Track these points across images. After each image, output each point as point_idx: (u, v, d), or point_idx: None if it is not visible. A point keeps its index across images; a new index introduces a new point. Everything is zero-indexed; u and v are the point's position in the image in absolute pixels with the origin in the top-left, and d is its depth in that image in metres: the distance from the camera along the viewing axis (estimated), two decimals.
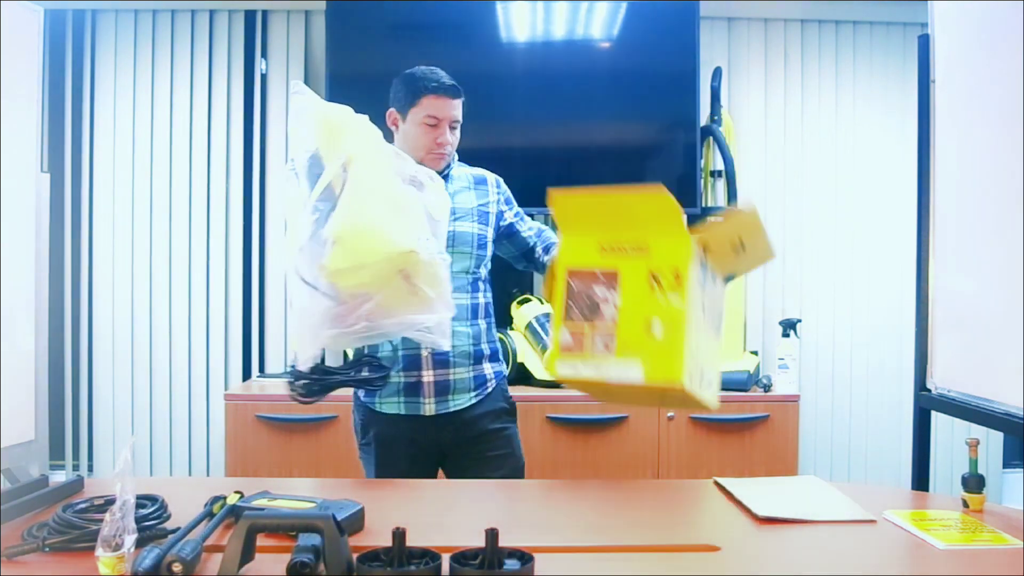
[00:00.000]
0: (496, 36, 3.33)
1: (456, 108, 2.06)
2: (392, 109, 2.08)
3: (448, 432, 2.04)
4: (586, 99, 3.29)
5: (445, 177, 2.07)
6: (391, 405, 2.05)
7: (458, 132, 2.09)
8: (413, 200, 1.70)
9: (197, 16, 3.52)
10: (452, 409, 2.04)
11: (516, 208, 2.22)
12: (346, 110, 1.69)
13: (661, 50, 3.31)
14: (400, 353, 2.01)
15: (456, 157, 2.15)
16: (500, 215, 2.16)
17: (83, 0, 3.46)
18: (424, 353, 2.01)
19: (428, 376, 2.03)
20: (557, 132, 3.32)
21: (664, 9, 3.32)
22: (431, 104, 2.03)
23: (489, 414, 2.09)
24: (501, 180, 2.21)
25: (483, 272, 2.13)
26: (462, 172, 2.16)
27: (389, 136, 2.04)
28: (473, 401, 2.07)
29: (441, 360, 2.03)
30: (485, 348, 2.11)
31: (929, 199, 1.99)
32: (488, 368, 2.11)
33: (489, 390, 2.10)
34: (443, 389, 2.04)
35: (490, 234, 2.13)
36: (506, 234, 2.17)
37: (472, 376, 2.07)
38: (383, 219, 1.60)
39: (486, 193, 2.15)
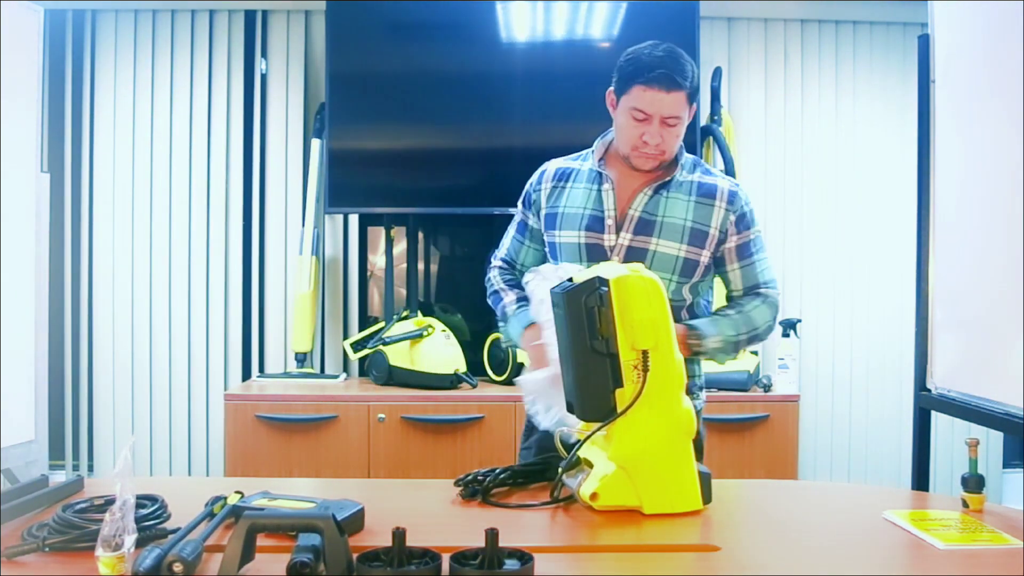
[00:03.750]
0: (496, 36, 3.33)
1: (672, 104, 1.75)
2: (610, 89, 1.85)
3: None
4: (586, 99, 3.28)
5: (667, 183, 1.84)
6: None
7: (679, 130, 1.80)
8: None
9: (197, 16, 3.52)
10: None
11: (751, 236, 1.87)
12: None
13: None
14: None
15: (685, 160, 1.88)
16: (723, 238, 1.85)
17: (83, 0, 3.46)
18: None
19: None
20: (557, 132, 3.31)
21: (664, 9, 3.31)
22: (640, 95, 1.76)
23: None
24: (740, 193, 1.88)
25: (689, 298, 1.88)
26: (691, 178, 1.87)
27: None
28: None
29: None
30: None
31: (929, 199, 1.99)
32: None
33: None
34: None
35: (704, 258, 1.85)
36: (719, 263, 1.88)
37: None
38: None
39: (710, 208, 1.85)
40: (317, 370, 3.54)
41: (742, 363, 3.18)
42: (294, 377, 3.34)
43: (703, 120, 3.38)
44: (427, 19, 3.32)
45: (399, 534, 1.13)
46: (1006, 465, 3.64)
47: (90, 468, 3.50)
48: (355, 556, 1.13)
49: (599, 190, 1.87)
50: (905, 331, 3.36)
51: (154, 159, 3.51)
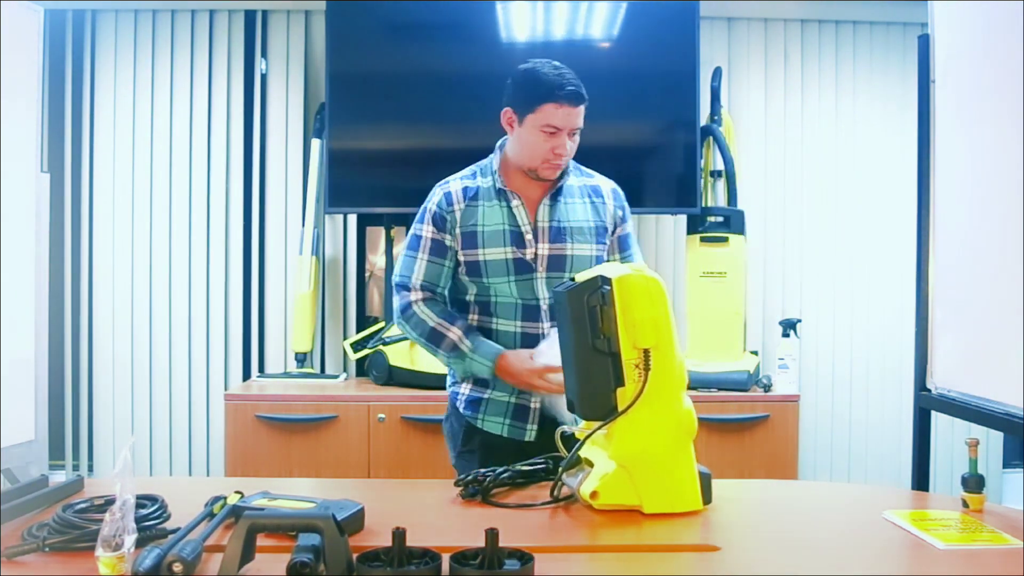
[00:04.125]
0: (496, 36, 3.33)
1: (579, 116, 1.90)
2: (508, 108, 1.94)
3: None
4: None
5: (559, 190, 1.97)
6: (494, 425, 1.99)
7: (578, 138, 1.94)
8: None
9: (197, 16, 3.52)
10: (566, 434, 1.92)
11: (627, 230, 2.07)
12: None
13: (661, 50, 3.31)
14: None
15: (570, 167, 2.02)
16: (612, 230, 2.03)
17: (83, 0, 3.46)
18: None
19: (539, 403, 1.96)
20: None
21: (664, 9, 3.31)
22: (552, 112, 1.86)
23: None
24: (619, 190, 2.07)
25: None
26: (576, 183, 2.02)
27: (501, 132, 1.98)
28: None
29: None
30: None
31: (929, 199, 1.99)
32: None
33: None
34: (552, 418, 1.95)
35: (606, 252, 2.02)
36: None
37: None
38: None
39: (604, 206, 2.02)
40: (317, 370, 3.54)
41: (742, 363, 3.19)
42: (294, 377, 3.34)
43: (703, 120, 3.38)
44: (427, 19, 3.32)
45: (399, 534, 1.13)
46: (1006, 465, 3.64)
47: (90, 468, 3.50)
48: (355, 556, 1.13)
49: (509, 207, 1.96)
50: (905, 331, 3.35)
51: (154, 159, 3.51)
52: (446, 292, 2.01)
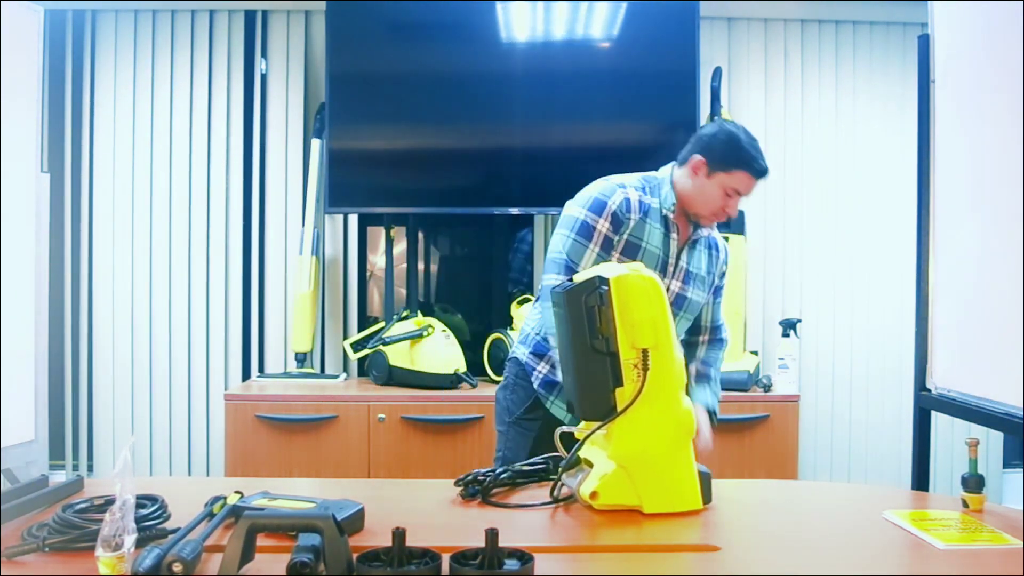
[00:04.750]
0: (496, 36, 3.33)
1: (756, 187, 2.04)
2: (703, 158, 2.02)
3: None
4: (586, 99, 3.29)
5: (695, 242, 2.10)
6: (560, 411, 2.05)
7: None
8: None
9: (197, 16, 3.52)
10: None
11: (723, 284, 2.21)
12: None
13: (661, 50, 3.31)
14: None
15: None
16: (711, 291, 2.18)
17: (83, 0, 3.46)
18: None
19: None
20: (557, 132, 3.32)
21: (664, 9, 3.31)
22: (743, 180, 2.00)
23: None
24: (725, 247, 2.21)
25: None
26: (702, 234, 2.14)
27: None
28: None
29: None
30: None
31: (929, 199, 1.99)
32: None
33: None
34: None
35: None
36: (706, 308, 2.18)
37: None
38: None
39: (716, 259, 2.16)
40: (317, 370, 3.54)
41: (742, 363, 3.19)
42: (294, 377, 3.34)
43: (703, 120, 3.37)
44: (427, 19, 3.32)
45: (399, 534, 1.13)
46: (1006, 465, 3.64)
47: (90, 468, 3.50)
48: (355, 556, 1.13)
49: (667, 236, 2.05)
50: (905, 331, 3.36)
51: (154, 159, 3.51)
52: None
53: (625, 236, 2.00)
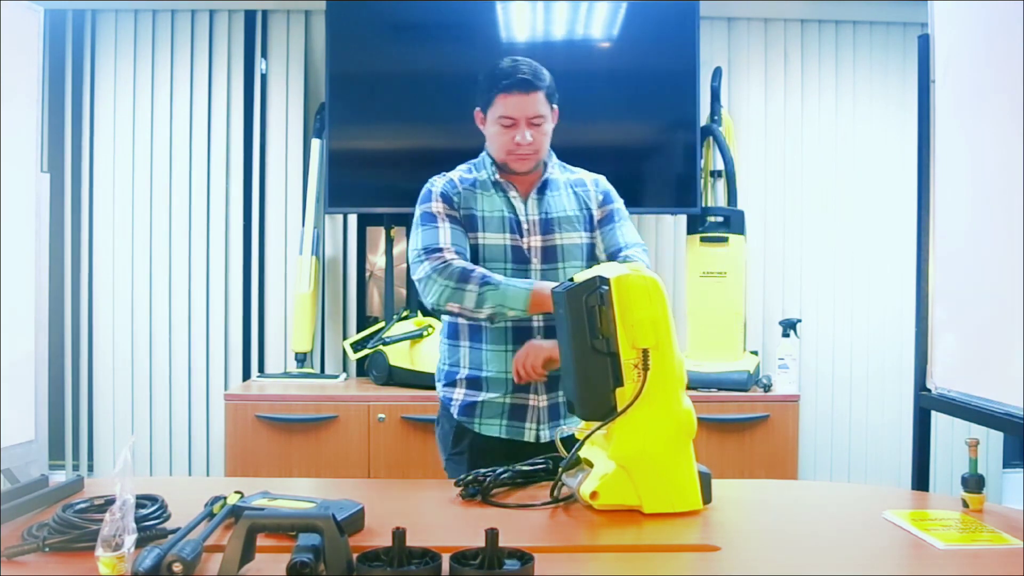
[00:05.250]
0: (496, 36, 3.33)
1: (533, 104, 1.92)
2: (477, 108, 2.01)
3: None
4: (586, 99, 3.29)
5: (544, 183, 2.01)
6: (491, 427, 1.98)
7: (545, 128, 1.97)
8: None
9: (197, 16, 3.52)
10: (565, 435, 1.85)
11: (613, 207, 2.06)
12: None
13: (661, 50, 3.31)
14: (509, 376, 1.94)
15: (553, 159, 2.07)
16: (599, 221, 2.05)
17: (83, 0, 3.46)
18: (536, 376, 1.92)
19: (538, 400, 1.96)
20: (557, 132, 3.30)
21: (664, 9, 3.31)
22: (504, 103, 1.92)
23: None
24: (601, 178, 2.10)
25: None
26: (561, 177, 2.06)
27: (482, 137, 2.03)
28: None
29: (551, 381, 1.94)
30: None
31: (929, 199, 1.99)
32: None
33: None
34: (554, 414, 1.97)
35: (598, 239, 2.04)
36: (599, 237, 2.05)
37: None
38: None
39: (586, 193, 2.06)
40: (317, 370, 3.54)
41: (742, 363, 3.19)
42: (294, 377, 3.34)
43: (703, 120, 3.38)
44: (427, 19, 3.32)
45: (399, 534, 1.13)
46: (1006, 465, 3.64)
47: (90, 468, 3.50)
48: (355, 556, 1.13)
49: (507, 196, 2.00)
50: (905, 331, 3.36)
51: (154, 159, 3.51)
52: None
53: (460, 212, 1.97)
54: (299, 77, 3.54)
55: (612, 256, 2.01)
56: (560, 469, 1.55)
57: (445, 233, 1.94)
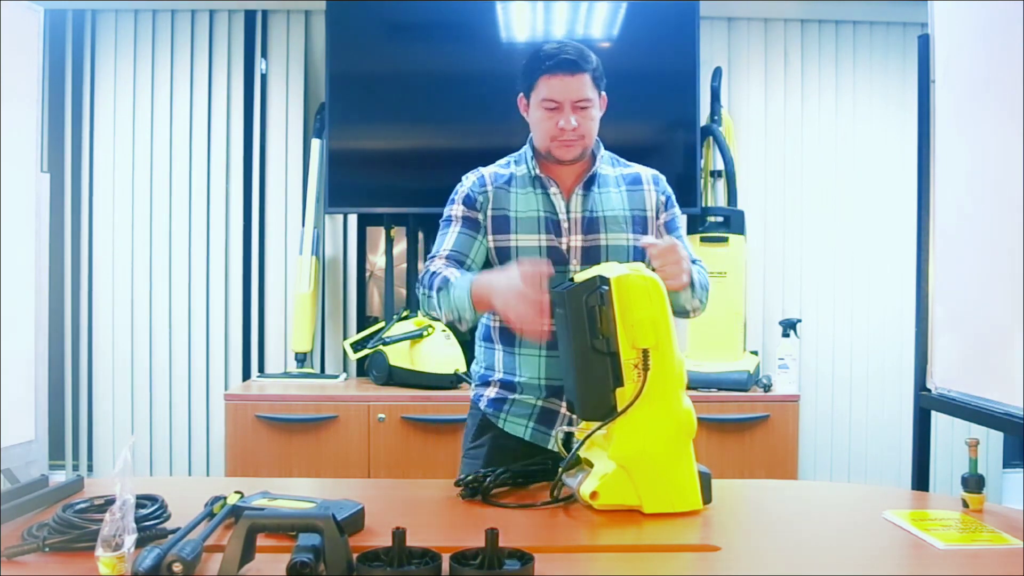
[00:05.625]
0: (496, 36, 3.33)
1: (579, 87, 1.80)
2: (520, 94, 1.89)
3: None
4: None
5: (592, 178, 1.87)
6: (516, 426, 1.87)
7: (592, 113, 1.84)
8: None
9: (197, 16, 3.52)
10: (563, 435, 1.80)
11: (674, 213, 1.95)
12: None
13: (661, 50, 3.31)
14: (543, 382, 1.85)
15: (602, 151, 1.93)
16: (656, 216, 1.92)
17: (83, 0, 3.46)
18: None
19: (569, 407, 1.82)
20: None
21: (664, 9, 3.31)
22: (547, 85, 1.79)
23: None
24: (661, 176, 1.97)
25: None
26: (612, 172, 1.93)
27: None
28: None
29: None
30: None
31: (929, 199, 1.99)
32: None
33: None
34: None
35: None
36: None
37: None
38: None
39: (643, 193, 1.92)
40: (317, 370, 3.54)
41: (742, 363, 3.19)
42: (294, 377, 3.34)
43: (703, 120, 3.38)
44: (427, 19, 3.32)
45: (399, 534, 1.13)
46: (1006, 465, 3.64)
47: (90, 468, 3.50)
48: (355, 556, 1.13)
49: (546, 194, 1.87)
50: (905, 331, 3.36)
51: (154, 159, 3.51)
52: (475, 268, 1.86)
53: (489, 212, 1.86)
54: (299, 77, 3.54)
55: None
56: (560, 469, 1.55)
57: (450, 239, 1.87)
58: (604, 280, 1.49)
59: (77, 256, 3.52)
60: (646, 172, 1.97)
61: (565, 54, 1.79)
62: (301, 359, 3.42)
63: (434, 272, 1.80)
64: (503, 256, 1.86)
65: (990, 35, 1.80)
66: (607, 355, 1.48)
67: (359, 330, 3.54)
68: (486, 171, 1.94)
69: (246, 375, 3.53)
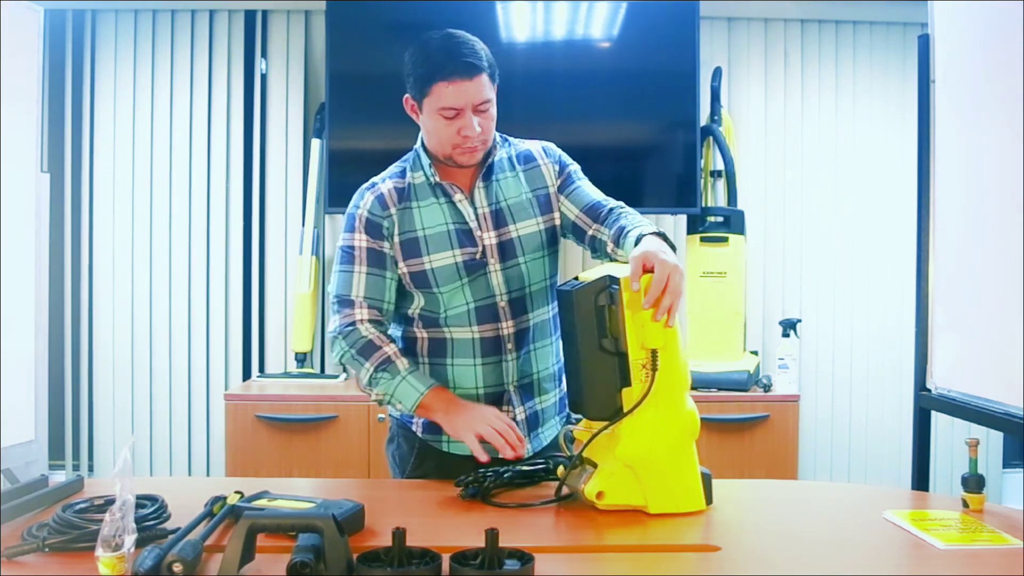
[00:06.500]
0: (496, 36, 3.33)
1: (478, 89, 1.65)
2: (408, 96, 1.74)
3: None
4: (586, 99, 3.29)
5: (489, 168, 1.76)
6: (462, 445, 1.67)
7: (491, 111, 1.70)
8: None
9: (197, 16, 3.51)
10: (543, 444, 1.79)
11: (569, 170, 1.82)
12: None
13: (661, 50, 3.31)
14: (482, 392, 1.75)
15: (497, 141, 1.79)
16: (558, 188, 1.80)
17: (83, 0, 3.46)
18: (511, 388, 1.75)
19: (514, 412, 1.76)
20: (557, 132, 3.28)
21: (664, 9, 3.31)
22: (444, 93, 1.64)
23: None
24: (550, 145, 1.85)
25: (552, 271, 1.81)
26: (504, 155, 1.80)
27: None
28: (559, 427, 1.81)
29: (527, 388, 1.77)
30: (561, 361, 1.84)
31: (929, 199, 1.99)
32: (565, 385, 1.80)
33: (567, 411, 1.84)
34: (533, 423, 1.78)
35: (558, 219, 1.79)
36: (567, 202, 1.79)
37: (558, 400, 1.82)
38: None
39: (539, 168, 1.80)
40: (317, 370, 3.54)
41: (742, 363, 3.19)
42: (294, 377, 3.34)
43: (703, 120, 3.38)
44: (427, 19, 3.31)
45: (399, 534, 1.13)
46: (1006, 465, 3.64)
47: (90, 468, 3.50)
48: (355, 556, 1.13)
49: (451, 202, 1.74)
50: (905, 331, 3.36)
51: (154, 159, 3.51)
52: (391, 309, 1.76)
53: (396, 239, 1.72)
54: (299, 77, 3.54)
55: (593, 215, 1.76)
56: (566, 469, 1.55)
57: (360, 282, 1.72)
58: (614, 280, 1.48)
59: (77, 256, 3.51)
60: (536, 146, 1.85)
61: (462, 56, 1.65)
62: (301, 359, 3.42)
63: (368, 340, 1.69)
64: (419, 281, 1.73)
65: (990, 35, 1.80)
66: (615, 355, 1.47)
67: None
68: (383, 188, 1.77)
69: (246, 375, 3.53)
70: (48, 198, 1.73)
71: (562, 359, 1.79)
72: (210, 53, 3.51)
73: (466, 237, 1.73)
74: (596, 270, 1.60)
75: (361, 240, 1.74)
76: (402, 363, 1.68)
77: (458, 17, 3.34)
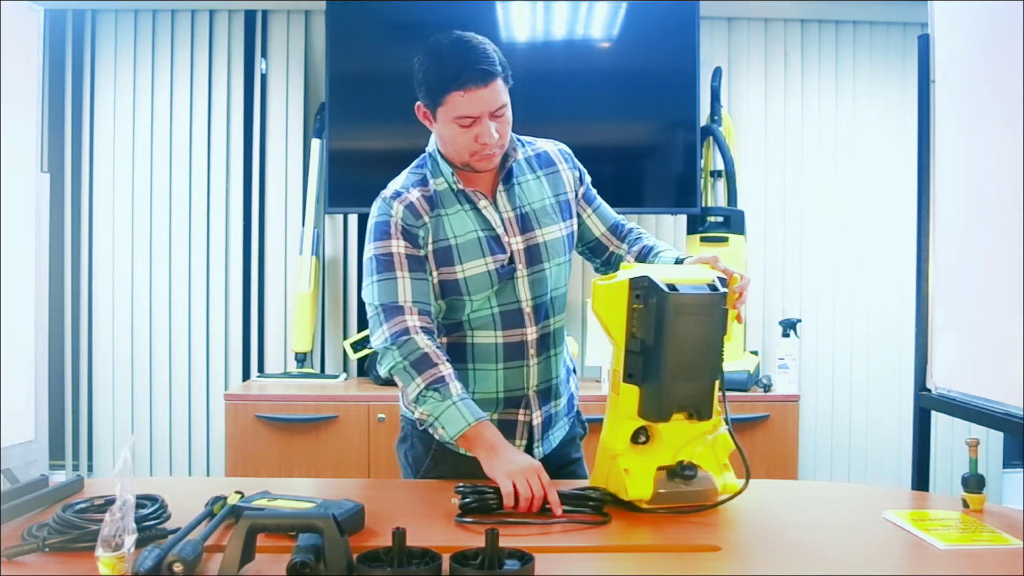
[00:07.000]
0: (496, 36, 3.33)
1: (494, 95, 1.61)
2: (420, 103, 1.71)
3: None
4: (586, 99, 3.29)
5: (509, 173, 1.73)
6: None
7: (507, 115, 1.66)
8: None
9: (197, 16, 3.52)
10: (552, 447, 1.79)
11: (586, 180, 1.83)
12: None
13: (661, 50, 3.31)
14: (502, 396, 1.74)
15: (514, 144, 1.75)
16: (580, 198, 1.81)
17: (83, 0, 3.46)
18: (531, 392, 1.75)
19: (529, 416, 1.75)
20: (557, 132, 3.29)
21: (664, 9, 3.31)
22: (460, 102, 1.61)
23: (571, 441, 1.86)
24: (565, 148, 1.84)
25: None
26: (521, 157, 1.77)
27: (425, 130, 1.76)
28: (567, 429, 1.83)
29: (545, 393, 1.76)
30: (569, 363, 1.87)
31: (929, 199, 1.99)
32: (572, 384, 1.87)
33: (575, 410, 1.87)
34: (547, 425, 1.78)
35: (575, 225, 1.80)
36: (594, 217, 1.82)
37: (567, 402, 1.83)
38: None
39: (559, 174, 1.78)
40: (317, 370, 3.54)
41: (742, 363, 3.19)
42: (294, 377, 3.34)
43: (703, 120, 3.38)
44: (427, 19, 3.32)
45: (399, 534, 1.13)
46: (1006, 465, 3.64)
47: (90, 468, 3.50)
48: (355, 556, 1.13)
49: (476, 209, 1.71)
50: (905, 331, 3.36)
51: (154, 159, 3.51)
52: (439, 313, 1.74)
53: (430, 248, 1.70)
54: (299, 77, 3.54)
55: (616, 233, 1.81)
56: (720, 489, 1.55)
57: (405, 287, 1.69)
58: (723, 282, 1.53)
59: (77, 256, 3.52)
60: (553, 148, 1.82)
61: (475, 64, 1.60)
62: (301, 359, 3.42)
63: (424, 353, 1.63)
64: (450, 290, 1.71)
65: (990, 35, 1.80)
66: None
67: (359, 330, 3.54)
68: (411, 196, 1.73)
69: (246, 375, 3.53)
70: (48, 198, 1.73)
71: (568, 358, 1.85)
72: (210, 53, 3.51)
73: (495, 243, 1.71)
74: (623, 274, 1.53)
75: (399, 247, 1.70)
76: (455, 387, 1.61)
77: (458, 17, 3.34)
